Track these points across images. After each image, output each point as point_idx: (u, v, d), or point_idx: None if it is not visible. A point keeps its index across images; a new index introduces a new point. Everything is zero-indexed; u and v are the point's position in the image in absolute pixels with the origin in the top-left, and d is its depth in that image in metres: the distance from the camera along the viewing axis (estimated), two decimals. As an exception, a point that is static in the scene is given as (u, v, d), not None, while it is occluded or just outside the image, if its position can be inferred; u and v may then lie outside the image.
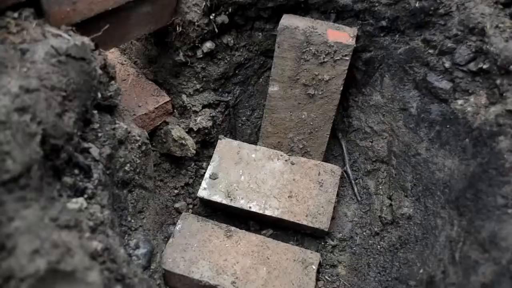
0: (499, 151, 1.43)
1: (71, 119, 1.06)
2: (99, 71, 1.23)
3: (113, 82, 1.33)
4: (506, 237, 1.26)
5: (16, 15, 1.07)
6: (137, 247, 1.37)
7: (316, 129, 1.98)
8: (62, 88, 1.04)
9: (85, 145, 1.17)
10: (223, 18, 1.78)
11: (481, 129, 1.53)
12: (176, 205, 1.93)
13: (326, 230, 1.84)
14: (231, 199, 1.81)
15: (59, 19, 1.20)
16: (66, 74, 1.06)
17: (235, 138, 2.08)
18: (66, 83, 1.06)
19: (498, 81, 1.50)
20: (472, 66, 1.61)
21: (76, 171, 1.11)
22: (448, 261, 1.47)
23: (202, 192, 1.83)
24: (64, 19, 1.22)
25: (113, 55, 1.96)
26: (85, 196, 1.10)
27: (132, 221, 1.41)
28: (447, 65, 1.69)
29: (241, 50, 1.94)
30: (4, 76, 0.93)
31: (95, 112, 1.24)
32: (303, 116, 1.95)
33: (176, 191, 1.97)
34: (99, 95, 1.24)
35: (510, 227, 1.27)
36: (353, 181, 2.05)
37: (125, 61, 1.97)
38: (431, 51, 1.73)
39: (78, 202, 1.04)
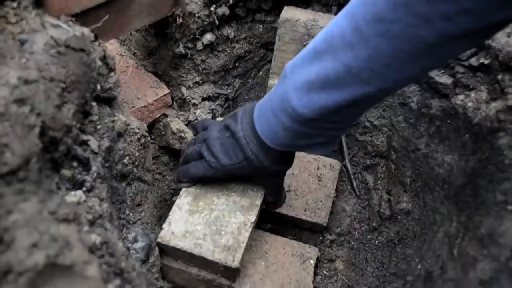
0: (499, 147, 1.42)
1: (70, 111, 1.05)
2: (99, 63, 1.22)
3: (112, 73, 1.31)
4: (505, 233, 1.26)
5: (15, 4, 1.05)
6: (135, 240, 1.36)
7: (316, 123, 1.97)
8: (62, 79, 1.03)
9: (84, 137, 1.15)
10: (223, 10, 1.77)
11: (482, 125, 1.53)
12: (175, 199, 1.92)
13: (325, 224, 1.84)
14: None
15: (59, 9, 1.19)
16: (65, 66, 1.05)
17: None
18: (66, 74, 1.04)
19: (499, 77, 1.49)
20: (473, 61, 1.60)
21: (75, 164, 1.10)
22: (447, 256, 1.47)
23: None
24: (63, 9, 1.20)
25: (112, 46, 1.94)
26: (84, 189, 1.09)
27: (131, 214, 1.41)
28: (448, 60, 1.68)
29: (241, 42, 1.92)
30: (3, 67, 0.92)
31: (94, 104, 1.22)
32: (303, 110, 1.94)
33: (174, 185, 1.96)
34: (99, 87, 1.22)
35: (509, 224, 1.27)
36: (352, 176, 2.04)
37: (124, 52, 1.95)
38: (432, 46, 1.72)
39: (76, 195, 1.03)
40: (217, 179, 1.53)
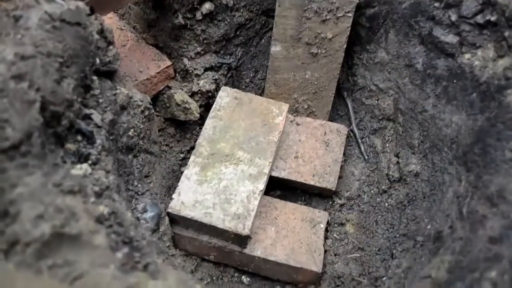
0: (507, 104, 1.40)
1: (70, 86, 1.05)
2: (96, 36, 1.21)
3: (111, 47, 1.31)
4: (514, 190, 1.25)
5: (7, -20, 1.04)
6: (144, 210, 1.38)
7: (321, 89, 1.95)
8: (59, 54, 1.03)
9: (87, 111, 1.16)
10: (222, -23, 1.74)
11: (489, 83, 1.50)
12: (183, 169, 1.94)
13: (333, 189, 1.85)
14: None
15: (53, -17, 1.17)
16: (61, 40, 1.05)
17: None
18: (63, 49, 1.04)
19: (506, 33, 1.46)
20: (479, 19, 1.56)
21: (79, 138, 1.11)
22: (456, 216, 1.47)
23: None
24: (57, -17, 1.19)
25: (111, 21, 1.93)
26: (89, 162, 1.10)
27: (139, 185, 1.42)
28: (453, 18, 1.64)
29: (241, 10, 1.89)
30: (-1, 43, 0.92)
31: (95, 78, 1.23)
32: (307, 76, 1.92)
33: (182, 155, 1.97)
34: (98, 60, 1.22)
35: (518, 181, 1.26)
36: (359, 140, 2.03)
37: (124, 26, 1.94)
38: (436, 4, 1.67)
39: (82, 168, 1.05)
40: None
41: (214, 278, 1.71)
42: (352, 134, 2.06)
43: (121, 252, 0.87)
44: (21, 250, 0.69)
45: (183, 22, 1.80)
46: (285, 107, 1.81)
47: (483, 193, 1.37)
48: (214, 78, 1.94)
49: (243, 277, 1.74)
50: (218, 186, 1.58)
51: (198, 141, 1.67)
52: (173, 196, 1.54)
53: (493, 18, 1.50)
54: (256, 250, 1.61)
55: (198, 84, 1.90)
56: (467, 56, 1.61)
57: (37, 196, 0.77)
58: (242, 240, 1.56)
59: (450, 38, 1.66)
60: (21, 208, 0.73)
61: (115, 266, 0.77)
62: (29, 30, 0.98)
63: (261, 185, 1.61)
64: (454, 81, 1.66)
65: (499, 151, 1.37)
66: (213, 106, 1.76)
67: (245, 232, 1.51)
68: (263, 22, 1.99)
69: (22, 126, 0.83)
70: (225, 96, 1.79)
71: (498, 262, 1.10)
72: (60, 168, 0.95)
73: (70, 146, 1.06)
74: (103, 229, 0.87)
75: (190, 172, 1.61)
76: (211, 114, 1.74)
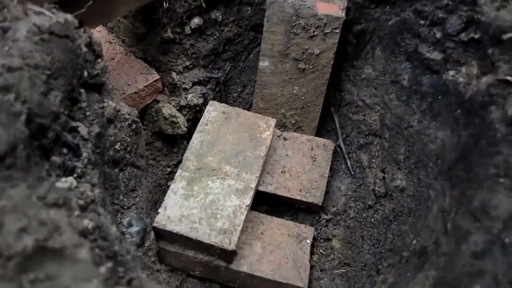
0: (491, 121, 1.42)
1: (57, 98, 1.05)
2: (84, 49, 1.21)
3: (99, 60, 1.30)
4: (497, 206, 1.27)
5: (-4, -8, 1.04)
6: (130, 225, 1.37)
7: (308, 104, 1.97)
8: (46, 66, 1.02)
9: (73, 124, 1.15)
10: (211, -7, 1.75)
11: (473, 99, 1.52)
12: (170, 184, 1.93)
13: (320, 204, 1.85)
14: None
15: (41, -4, 1.17)
16: (49, 52, 1.04)
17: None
18: (50, 61, 1.04)
19: (489, 51, 1.49)
20: (463, 36, 1.59)
21: (65, 151, 1.10)
22: (441, 231, 1.48)
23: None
24: (46, -4, 1.19)
25: (100, 34, 1.93)
26: (75, 175, 1.09)
27: (125, 199, 1.41)
28: (438, 35, 1.67)
29: (230, 25, 1.91)
30: (-15, 55, 0.91)
31: (82, 91, 1.22)
32: (295, 91, 1.94)
33: (169, 169, 1.97)
34: (86, 73, 1.22)
35: (501, 196, 1.28)
36: (346, 155, 2.05)
37: (113, 39, 1.94)
38: (422, 22, 1.71)
39: (67, 181, 1.03)
40: None
41: (199, 293, 1.70)
42: (338, 150, 2.07)
43: (105, 266, 0.85)
44: (2, 264, 0.68)
45: (172, 36, 1.81)
46: (272, 122, 1.82)
47: (467, 209, 1.38)
48: (202, 92, 1.94)
49: (229, 292, 1.73)
50: (204, 201, 1.58)
51: (185, 155, 1.67)
52: (159, 210, 1.54)
53: (476, 36, 1.53)
54: (242, 265, 1.60)
55: (186, 98, 1.91)
56: (452, 73, 1.64)
57: (20, 209, 0.76)
58: (228, 255, 1.55)
59: (435, 55, 1.69)
60: (4, 221, 0.72)
61: (98, 280, 0.76)
62: (17, 42, 0.97)
63: (248, 200, 1.61)
64: (439, 97, 1.68)
65: (482, 167, 1.39)
66: (201, 120, 1.76)
67: (231, 247, 1.51)
68: (251, 37, 2.01)
69: (7, 138, 0.82)
70: (213, 110, 1.80)
71: (481, 278, 1.10)
72: (45, 181, 0.94)
73: (56, 159, 1.05)
74: (87, 243, 0.86)
75: (177, 186, 1.60)
76: (198, 128, 1.74)
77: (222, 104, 1.82)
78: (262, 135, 1.76)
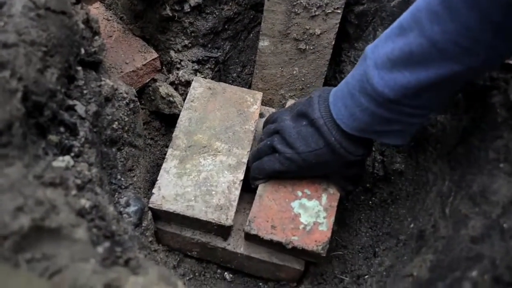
0: (492, 105, 1.41)
1: (53, 75, 1.03)
2: (82, 26, 1.19)
3: (97, 37, 1.28)
4: (497, 191, 1.26)
5: (-10, -35, 1.01)
6: (127, 205, 1.37)
7: (308, 85, 1.95)
8: (43, 43, 1.00)
9: (70, 102, 1.14)
10: (211, -30, 1.72)
11: (474, 83, 1.51)
12: (166, 164, 1.92)
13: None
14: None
15: (37, -30, 1.14)
16: (46, 29, 1.02)
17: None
18: (47, 38, 1.02)
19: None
20: (467, 19, 1.57)
21: (62, 129, 1.09)
22: (439, 215, 1.48)
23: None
24: (42, -30, 1.16)
25: (97, 11, 1.90)
26: (72, 154, 1.08)
27: (122, 179, 1.40)
28: (441, 17, 1.64)
29: (230, 4, 1.87)
30: (-20, 29, 0.89)
31: (79, 68, 1.20)
32: (295, 72, 1.92)
33: (167, 149, 1.95)
34: (83, 50, 1.20)
35: (501, 181, 1.27)
36: (345, 138, 2.03)
37: (111, 17, 1.91)
38: (425, 3, 1.68)
39: (64, 160, 1.02)
40: (292, 172, 1.47)
41: (196, 274, 1.70)
42: (338, 132, 2.05)
43: (102, 246, 0.85)
44: (-2, 243, 0.67)
45: (170, 14, 1.78)
46: (259, 95, 1.79)
47: (466, 193, 1.38)
48: (194, 68, 1.91)
49: (225, 273, 1.74)
50: (198, 178, 1.57)
51: (174, 133, 1.65)
52: (153, 190, 1.53)
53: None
54: (239, 246, 1.60)
55: (177, 74, 1.87)
56: (454, 56, 1.62)
57: (17, 188, 0.75)
58: (225, 231, 1.55)
59: (437, 38, 1.67)
60: (0, 200, 0.71)
61: (95, 260, 0.76)
62: (12, 17, 0.95)
63: (241, 175, 1.60)
64: (440, 81, 1.67)
65: (482, 151, 1.38)
66: (187, 97, 1.73)
67: (228, 222, 1.51)
68: (251, 16, 1.97)
69: (3, 116, 0.80)
70: (198, 86, 1.76)
71: (479, 262, 1.10)
72: (41, 159, 0.93)
73: (53, 137, 1.03)
74: (84, 223, 0.85)
75: (169, 165, 1.59)
76: (185, 105, 1.71)
77: (208, 80, 1.79)
78: (250, 109, 1.73)
